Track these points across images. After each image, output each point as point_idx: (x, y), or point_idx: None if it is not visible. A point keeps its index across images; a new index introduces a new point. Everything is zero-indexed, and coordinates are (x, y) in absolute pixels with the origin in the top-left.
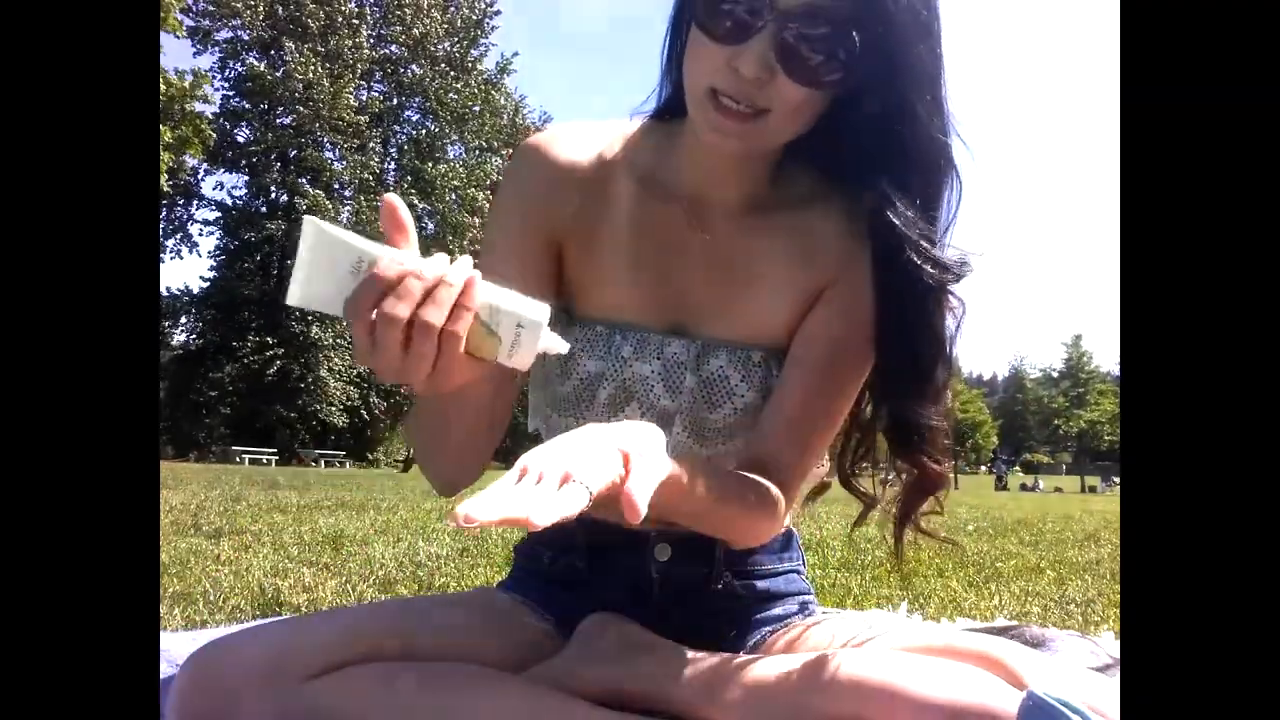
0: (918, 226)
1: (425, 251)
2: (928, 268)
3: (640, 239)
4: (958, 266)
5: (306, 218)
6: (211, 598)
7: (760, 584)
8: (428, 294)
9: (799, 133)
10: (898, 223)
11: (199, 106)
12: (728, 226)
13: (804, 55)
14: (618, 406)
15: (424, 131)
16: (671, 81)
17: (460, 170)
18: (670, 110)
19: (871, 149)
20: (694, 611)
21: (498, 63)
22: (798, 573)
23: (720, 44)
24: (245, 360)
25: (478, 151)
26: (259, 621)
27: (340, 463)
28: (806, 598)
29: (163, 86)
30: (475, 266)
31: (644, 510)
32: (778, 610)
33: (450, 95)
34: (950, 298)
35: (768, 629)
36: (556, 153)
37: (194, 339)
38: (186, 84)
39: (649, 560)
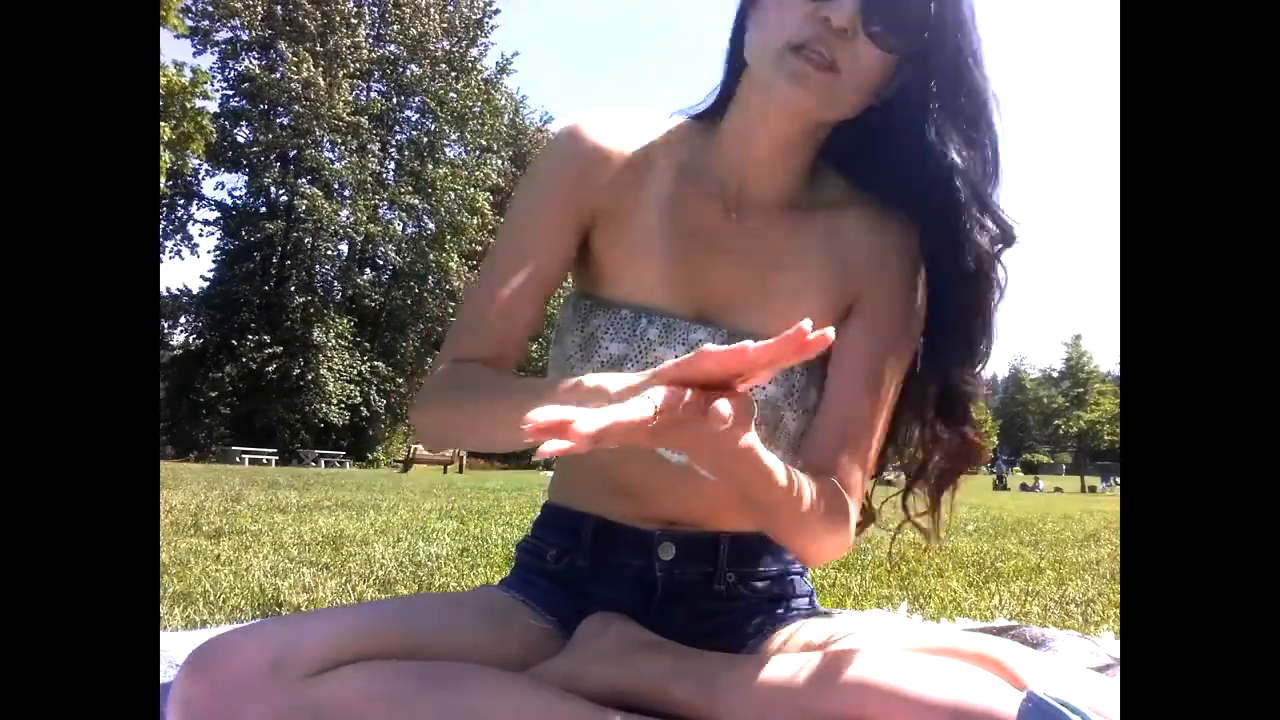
0: (980, 187)
1: (424, 251)
2: (989, 225)
3: (674, 224)
4: (1011, 229)
5: None
6: (211, 598)
7: (763, 585)
8: None
9: (859, 108)
10: (961, 182)
11: (200, 103)
12: (763, 220)
13: (888, 18)
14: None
15: (424, 131)
16: (732, 68)
17: (460, 170)
18: (714, 110)
19: (930, 126)
20: (696, 611)
21: (497, 62)
22: (800, 574)
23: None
24: (245, 360)
25: (478, 151)
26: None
27: (340, 463)
28: (808, 599)
29: (162, 80)
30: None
31: (728, 417)
32: (780, 611)
33: (450, 95)
34: (998, 266)
35: (769, 628)
36: (597, 132)
37: (194, 339)
38: (186, 80)
39: (653, 559)
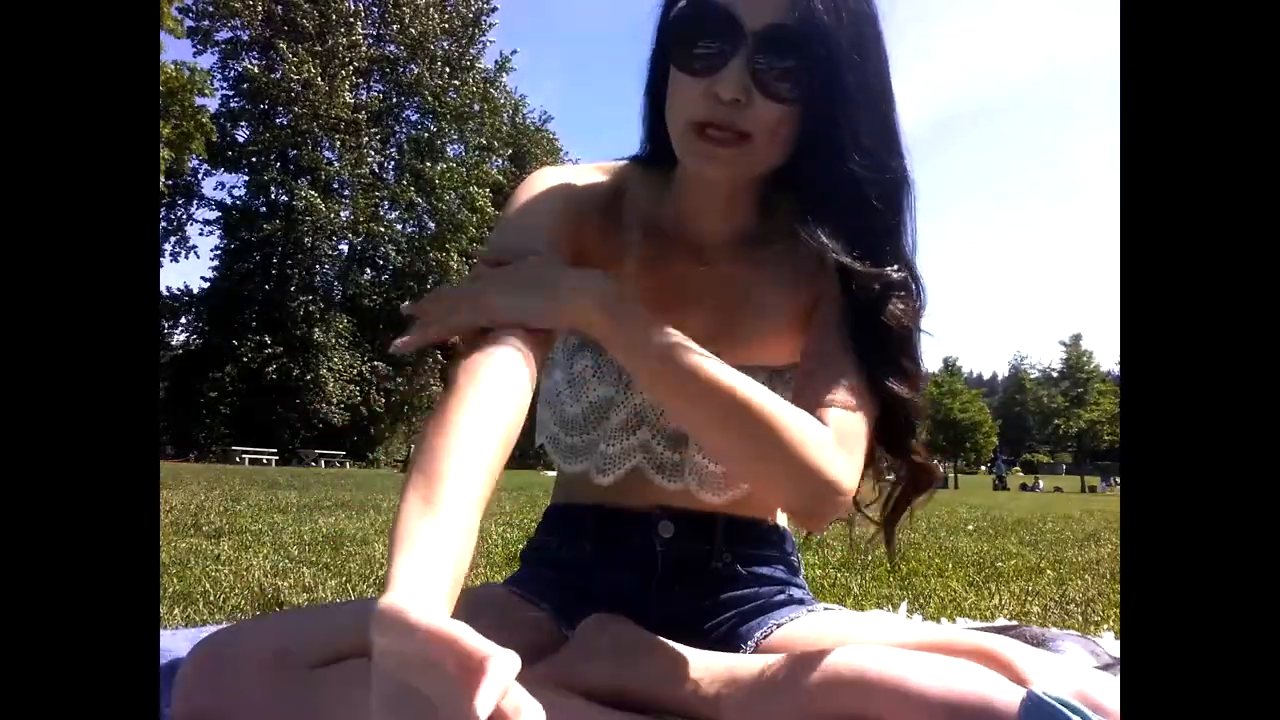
0: (890, 214)
1: (424, 250)
2: (901, 252)
3: (644, 273)
4: (904, 284)
5: None
6: (211, 598)
7: (760, 568)
8: None
9: (781, 158)
10: (875, 206)
11: (200, 100)
12: (726, 259)
13: (775, 75)
14: (630, 429)
15: (424, 130)
16: (654, 135)
17: (460, 169)
18: (658, 159)
19: (833, 177)
20: (695, 592)
21: (496, 61)
22: (793, 568)
23: (699, 77)
24: (245, 360)
25: (478, 150)
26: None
27: (340, 462)
28: (804, 593)
29: (162, 77)
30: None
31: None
32: (779, 599)
33: (449, 94)
34: (913, 285)
35: (769, 620)
36: (570, 179)
37: (194, 339)
38: (185, 78)
39: (653, 538)
